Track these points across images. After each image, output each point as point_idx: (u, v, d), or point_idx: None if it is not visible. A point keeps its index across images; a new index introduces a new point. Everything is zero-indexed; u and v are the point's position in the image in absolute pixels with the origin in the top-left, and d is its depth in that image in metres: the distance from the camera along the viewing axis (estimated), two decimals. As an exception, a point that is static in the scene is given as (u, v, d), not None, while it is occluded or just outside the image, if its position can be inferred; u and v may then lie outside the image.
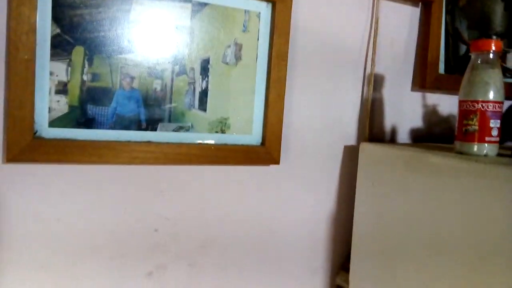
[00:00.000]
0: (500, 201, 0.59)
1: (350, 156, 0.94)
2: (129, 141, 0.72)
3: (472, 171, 0.63)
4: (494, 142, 0.68)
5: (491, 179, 0.60)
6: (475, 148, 0.68)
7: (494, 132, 0.67)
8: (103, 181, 0.73)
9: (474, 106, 0.67)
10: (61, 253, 0.72)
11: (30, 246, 0.70)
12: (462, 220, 0.64)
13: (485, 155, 0.68)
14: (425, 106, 1.03)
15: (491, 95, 0.66)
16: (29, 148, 0.65)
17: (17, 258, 0.69)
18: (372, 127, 0.96)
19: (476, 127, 0.67)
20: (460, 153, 0.70)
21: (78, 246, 0.73)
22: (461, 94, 0.70)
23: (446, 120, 1.06)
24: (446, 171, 0.67)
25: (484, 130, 0.67)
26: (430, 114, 1.04)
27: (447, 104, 1.05)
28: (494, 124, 0.67)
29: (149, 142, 0.74)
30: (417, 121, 1.02)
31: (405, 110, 1.00)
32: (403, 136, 1.01)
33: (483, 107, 0.66)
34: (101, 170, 0.73)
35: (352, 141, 0.94)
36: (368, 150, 0.86)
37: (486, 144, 0.67)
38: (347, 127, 0.93)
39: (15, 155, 0.65)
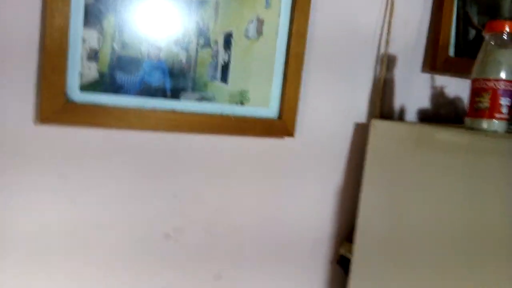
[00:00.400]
0: (510, 175, 0.61)
1: (361, 133, 0.97)
2: (154, 108, 0.75)
3: (482, 145, 0.65)
4: (504, 119, 0.71)
5: (501, 153, 0.62)
6: (485, 124, 0.71)
7: (504, 110, 0.70)
8: (128, 146, 0.76)
9: (487, 84, 0.70)
10: (85, 212, 0.75)
11: (55, 209, 0.73)
12: (471, 195, 0.66)
13: (495, 131, 0.71)
14: (433, 87, 1.06)
15: (503, 74, 0.69)
16: (61, 110, 0.68)
17: (42, 217, 0.73)
18: (382, 106, 0.99)
19: (487, 104, 0.70)
20: (471, 129, 0.73)
21: (100, 207, 0.76)
22: (474, 72, 0.73)
23: (452, 102, 1.09)
24: (456, 146, 0.69)
25: (495, 107, 0.70)
26: (438, 96, 1.07)
27: (454, 87, 1.08)
28: (505, 101, 0.70)
29: (173, 110, 0.77)
30: (425, 102, 1.06)
31: (414, 90, 1.03)
32: (411, 116, 1.04)
33: (495, 85, 0.70)
34: (127, 135, 0.76)
35: (363, 118, 0.98)
36: (379, 126, 0.89)
37: (496, 121, 0.70)
38: (359, 104, 0.97)
39: (48, 117, 0.68)
